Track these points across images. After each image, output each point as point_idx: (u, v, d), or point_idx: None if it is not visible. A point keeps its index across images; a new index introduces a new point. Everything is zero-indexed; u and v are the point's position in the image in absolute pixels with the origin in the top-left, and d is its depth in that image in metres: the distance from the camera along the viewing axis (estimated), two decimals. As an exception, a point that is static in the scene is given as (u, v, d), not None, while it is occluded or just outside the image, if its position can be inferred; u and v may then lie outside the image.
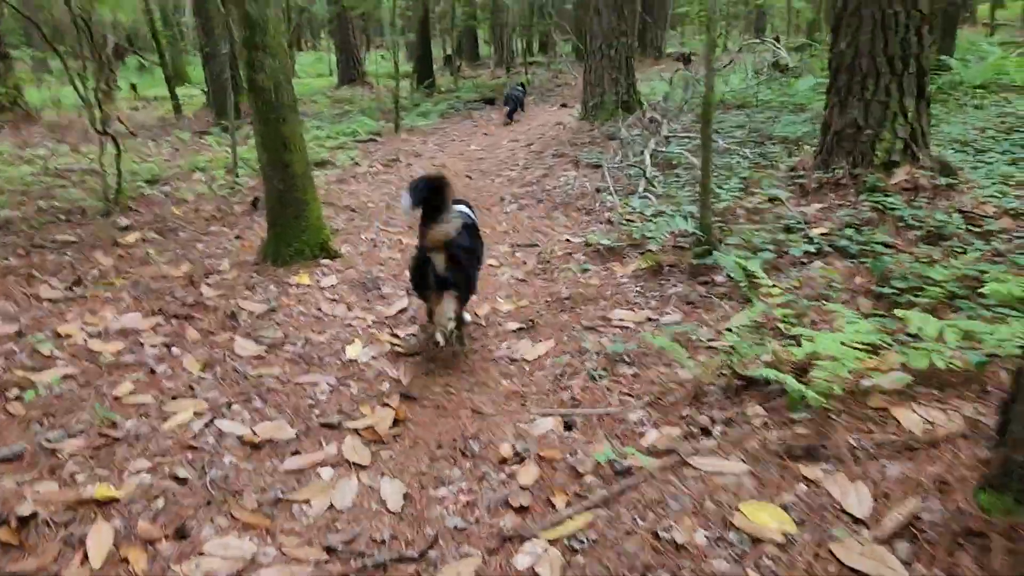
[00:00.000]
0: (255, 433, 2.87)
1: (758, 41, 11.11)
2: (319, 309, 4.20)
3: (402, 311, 4.23)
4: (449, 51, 21.33)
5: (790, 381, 2.52)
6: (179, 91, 16.28)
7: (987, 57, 10.76)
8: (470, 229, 3.61)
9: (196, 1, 11.49)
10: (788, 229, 4.52)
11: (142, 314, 4.02)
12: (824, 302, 3.44)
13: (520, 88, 12.87)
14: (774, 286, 3.35)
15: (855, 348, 2.57)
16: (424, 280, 3.41)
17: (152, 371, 3.42)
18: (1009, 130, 6.88)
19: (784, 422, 2.58)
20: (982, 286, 3.47)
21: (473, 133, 11.30)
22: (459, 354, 3.62)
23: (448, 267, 3.31)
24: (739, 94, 11.23)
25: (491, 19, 21.98)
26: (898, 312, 2.88)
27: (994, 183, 4.98)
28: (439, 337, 3.49)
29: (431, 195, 3.22)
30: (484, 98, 14.92)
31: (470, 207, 3.94)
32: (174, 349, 3.64)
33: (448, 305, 3.41)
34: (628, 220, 5.37)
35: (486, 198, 6.96)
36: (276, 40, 4.44)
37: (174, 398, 3.17)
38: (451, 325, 3.47)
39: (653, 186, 6.15)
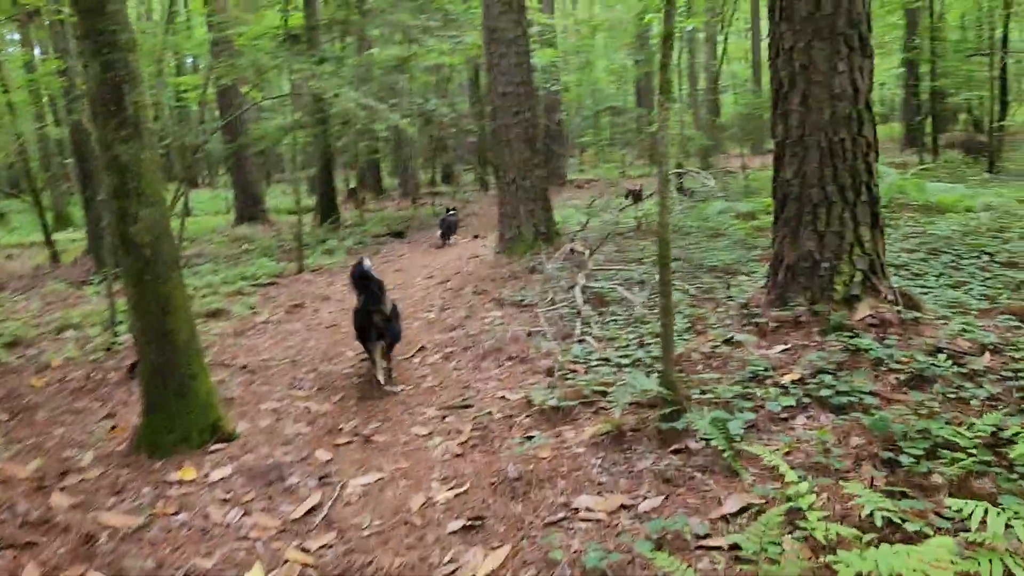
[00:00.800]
0: None
1: (683, 171, 11.14)
2: (207, 517, 3.32)
3: (313, 509, 3.41)
4: (352, 184, 21.00)
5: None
6: (62, 235, 15.21)
7: (883, 177, 11.14)
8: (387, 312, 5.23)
9: (76, 142, 10.69)
10: (755, 377, 4.02)
11: (-37, 545, 3.04)
12: (839, 482, 2.86)
13: (453, 213, 13.64)
14: (775, 467, 2.75)
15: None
16: (367, 333, 5.12)
17: (-37, 643, 2.47)
18: (934, 251, 6.81)
19: None
20: (1001, 443, 3.01)
21: (383, 270, 10.69)
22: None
23: (383, 326, 5.11)
24: (652, 220, 11.18)
25: (394, 152, 21.94)
26: (951, 503, 2.31)
27: (954, 312, 4.69)
28: (380, 377, 5.10)
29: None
30: (392, 231, 14.45)
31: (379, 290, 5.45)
32: (1, 601, 2.70)
33: (383, 351, 5.17)
34: (570, 370, 4.77)
35: (404, 346, 6.26)
36: (153, 187, 3.75)
37: None
38: (384, 365, 5.19)
39: (590, 327, 5.63)
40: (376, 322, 5.05)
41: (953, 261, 6.36)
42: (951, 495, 2.75)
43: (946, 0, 18.48)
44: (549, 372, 4.88)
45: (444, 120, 14.92)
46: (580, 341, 5.30)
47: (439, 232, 13.33)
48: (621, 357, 4.76)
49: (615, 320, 5.77)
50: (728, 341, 4.53)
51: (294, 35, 12.53)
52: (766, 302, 4.69)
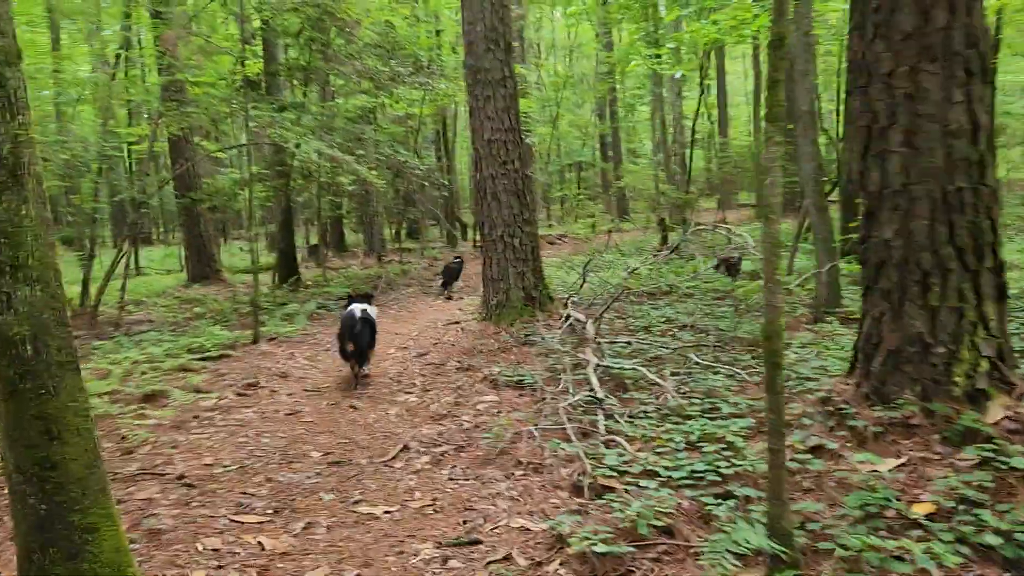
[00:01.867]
0: None
1: (709, 227, 10.14)
2: None
3: None
4: (314, 240, 19.80)
5: None
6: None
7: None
8: (368, 321, 6.75)
9: None
10: (877, 511, 2.97)
11: None
12: None
13: (458, 260, 13.13)
14: None
15: None
16: (345, 351, 6.61)
17: None
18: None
19: None
20: None
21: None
22: None
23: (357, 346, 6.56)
24: (646, 280, 10.26)
25: (359, 207, 20.89)
26: None
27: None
28: (356, 383, 6.59)
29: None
30: (359, 294, 13.25)
31: (371, 301, 7.51)
32: None
33: (359, 364, 6.67)
34: (606, 487, 3.68)
35: (379, 442, 5.11)
36: (39, 258, 2.62)
37: None
38: (357, 371, 6.66)
39: (617, 421, 4.56)
40: (357, 333, 6.52)
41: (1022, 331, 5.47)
42: None
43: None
44: (577, 490, 3.77)
45: (416, 172, 13.95)
46: (608, 444, 4.22)
47: (440, 281, 13.04)
48: (673, 469, 3.68)
49: (644, 412, 4.70)
50: (816, 449, 3.50)
51: (252, 81, 11.53)
52: (856, 396, 3.67)
